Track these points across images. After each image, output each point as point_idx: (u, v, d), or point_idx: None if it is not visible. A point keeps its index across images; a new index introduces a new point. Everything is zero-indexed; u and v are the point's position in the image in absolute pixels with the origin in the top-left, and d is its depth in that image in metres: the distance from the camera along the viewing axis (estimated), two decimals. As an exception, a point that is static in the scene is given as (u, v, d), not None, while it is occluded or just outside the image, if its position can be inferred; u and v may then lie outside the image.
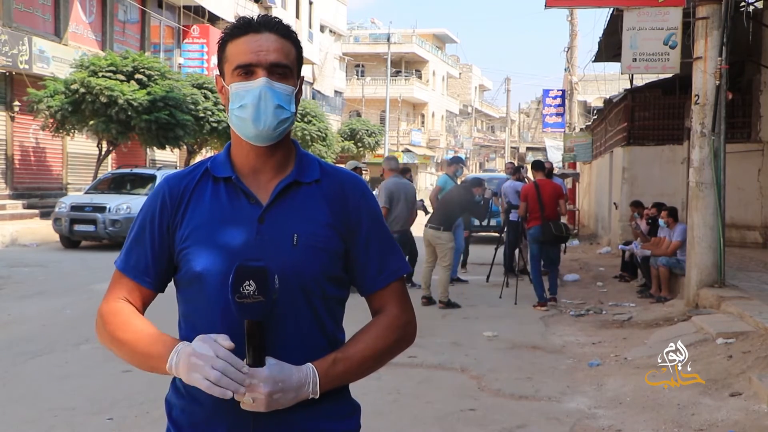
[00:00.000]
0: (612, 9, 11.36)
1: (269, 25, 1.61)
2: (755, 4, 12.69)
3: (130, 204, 14.54)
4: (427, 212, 10.55)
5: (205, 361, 1.43)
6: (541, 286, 9.29)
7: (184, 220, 1.63)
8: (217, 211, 1.62)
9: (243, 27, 1.61)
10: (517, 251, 11.21)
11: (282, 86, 1.59)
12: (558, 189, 9.69)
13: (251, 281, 1.43)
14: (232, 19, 28.75)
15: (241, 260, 1.48)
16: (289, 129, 1.64)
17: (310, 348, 1.60)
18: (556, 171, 13.80)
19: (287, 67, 1.60)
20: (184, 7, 27.31)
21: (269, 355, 1.51)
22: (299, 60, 1.66)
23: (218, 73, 1.68)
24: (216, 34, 27.18)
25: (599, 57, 15.80)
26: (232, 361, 1.44)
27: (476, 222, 15.02)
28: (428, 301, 9.07)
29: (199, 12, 28.11)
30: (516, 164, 13.58)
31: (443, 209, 9.30)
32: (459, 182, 11.04)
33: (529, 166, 12.09)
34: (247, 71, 1.58)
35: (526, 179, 12.39)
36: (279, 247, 1.58)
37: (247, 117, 1.58)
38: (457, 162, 11.60)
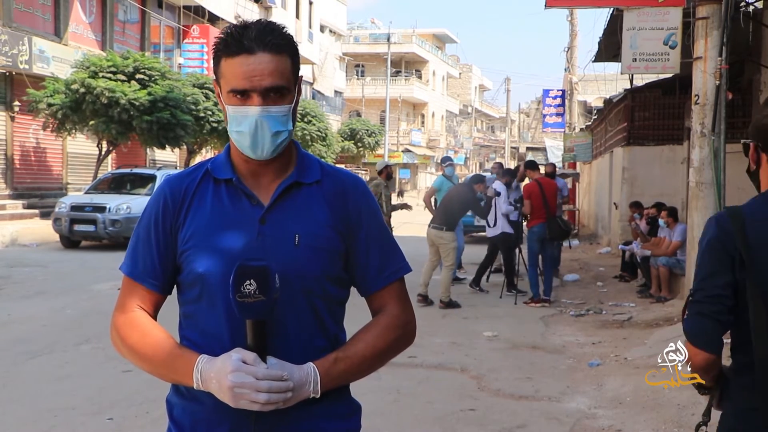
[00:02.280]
0: (612, 9, 11.35)
1: (262, 42, 1.55)
2: (755, 4, 12.69)
3: (130, 204, 14.53)
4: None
5: (249, 389, 1.45)
6: (536, 282, 9.37)
7: (186, 221, 1.64)
8: (218, 212, 1.62)
9: (235, 46, 1.56)
10: (516, 251, 11.20)
11: (278, 109, 1.58)
12: (556, 186, 10.05)
13: (252, 280, 1.44)
14: (232, 20, 28.74)
15: (242, 259, 1.48)
16: (287, 143, 1.64)
17: (311, 348, 1.60)
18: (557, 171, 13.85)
19: (283, 87, 1.59)
20: (184, 7, 27.31)
21: (271, 354, 1.51)
22: (296, 69, 1.64)
23: (215, 79, 1.66)
24: (216, 34, 27.10)
25: (599, 57, 15.79)
26: (273, 377, 1.47)
27: (476, 222, 15.06)
28: (424, 299, 9.03)
29: (199, 12, 28.11)
30: (516, 165, 13.59)
31: (445, 209, 9.30)
32: (456, 182, 11.06)
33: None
34: (242, 95, 1.57)
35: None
36: (281, 247, 1.59)
37: (245, 143, 1.59)
38: (445, 162, 11.60)
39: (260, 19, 1.65)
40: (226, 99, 1.60)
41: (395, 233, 11.31)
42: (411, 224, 18.16)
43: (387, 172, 10.97)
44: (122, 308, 1.67)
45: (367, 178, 14.80)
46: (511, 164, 49.80)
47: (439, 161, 46.91)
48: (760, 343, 1.69)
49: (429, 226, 9.36)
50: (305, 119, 31.10)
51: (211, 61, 1.67)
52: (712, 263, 1.81)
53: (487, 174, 24.44)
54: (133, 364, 1.66)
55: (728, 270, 1.79)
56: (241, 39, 1.56)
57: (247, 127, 1.57)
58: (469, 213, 10.62)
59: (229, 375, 1.46)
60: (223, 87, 1.61)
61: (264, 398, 1.46)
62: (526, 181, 11.07)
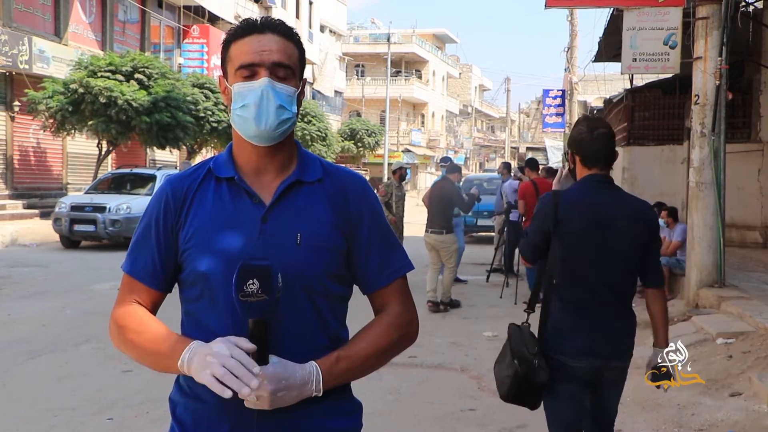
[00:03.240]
0: (612, 9, 11.36)
1: (272, 26, 1.62)
2: (755, 4, 12.69)
3: (130, 204, 14.53)
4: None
5: (218, 359, 1.45)
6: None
7: (188, 220, 1.64)
8: (220, 211, 1.63)
9: (246, 28, 1.62)
10: (517, 251, 11.21)
11: (284, 87, 1.60)
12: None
13: (255, 280, 1.44)
14: (232, 20, 28.75)
15: (245, 259, 1.49)
16: (290, 130, 1.65)
17: (313, 346, 1.60)
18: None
19: (289, 67, 1.61)
20: (184, 7, 27.31)
21: (273, 353, 1.52)
22: (302, 62, 1.67)
23: (221, 74, 1.69)
24: (216, 34, 27.16)
25: (599, 57, 15.81)
26: (243, 361, 1.45)
27: (473, 221, 15.03)
28: (434, 305, 8.97)
29: (199, 12, 28.11)
30: (514, 164, 13.64)
31: (437, 210, 9.23)
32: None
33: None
34: (249, 71, 1.59)
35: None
36: (282, 246, 1.59)
37: (249, 116, 1.59)
38: (445, 162, 11.60)
39: (268, 16, 1.68)
40: (233, 80, 1.62)
41: (406, 234, 11.31)
42: (411, 224, 18.16)
43: (400, 173, 10.97)
44: (119, 303, 1.68)
45: (368, 178, 14.79)
46: (513, 164, 49.71)
47: (439, 161, 46.84)
48: (552, 267, 3.03)
49: (428, 231, 9.28)
50: (305, 119, 31.10)
51: (212, 60, 1.68)
52: (538, 224, 3.10)
53: (493, 173, 24.29)
54: (130, 356, 1.66)
55: (545, 229, 3.04)
56: (251, 23, 1.63)
57: (252, 98, 1.58)
58: (470, 213, 10.51)
59: (214, 343, 1.48)
60: (230, 70, 1.63)
61: (221, 373, 1.43)
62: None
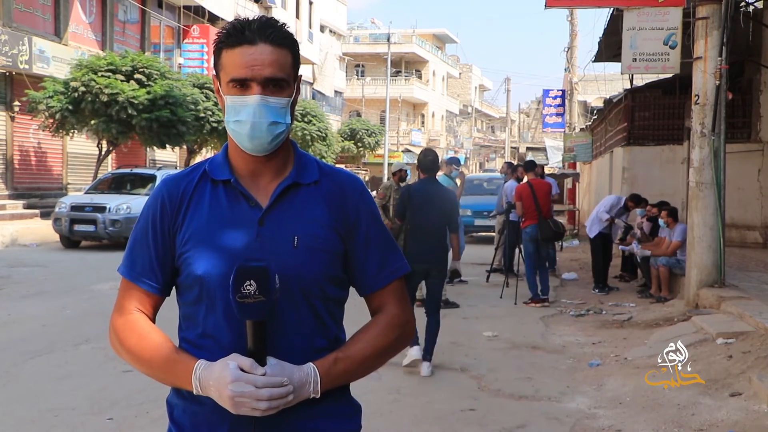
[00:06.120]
0: (612, 9, 11.36)
1: (264, 34, 1.57)
2: (755, 4, 12.70)
3: (130, 204, 14.53)
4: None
5: (250, 398, 1.45)
6: (534, 283, 9.37)
7: (185, 223, 1.63)
8: (216, 214, 1.62)
9: (237, 36, 1.58)
10: (517, 251, 11.20)
11: (277, 100, 1.58)
12: (549, 187, 10.07)
13: (252, 281, 1.44)
14: (231, 19, 28.71)
15: (242, 260, 1.48)
16: (285, 138, 1.64)
17: (311, 348, 1.60)
18: (555, 171, 13.87)
19: (282, 79, 1.59)
20: (184, 7, 27.30)
21: (271, 354, 1.51)
22: (295, 65, 1.64)
23: (215, 74, 1.67)
24: (216, 34, 27.11)
25: (599, 57, 15.80)
26: (273, 384, 1.47)
27: (472, 221, 15.01)
28: (422, 303, 8.98)
29: (199, 12, 28.10)
30: (515, 163, 13.67)
31: None
32: (457, 183, 11.04)
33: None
34: (242, 84, 1.57)
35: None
36: (279, 249, 1.58)
37: (242, 132, 1.58)
38: (452, 163, 11.59)
39: (262, 15, 1.65)
40: (226, 90, 1.60)
41: None
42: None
43: (400, 175, 11.00)
44: (120, 310, 1.66)
45: (367, 179, 14.76)
46: (514, 163, 49.74)
47: (444, 160, 46.70)
48: (408, 221, 6.31)
49: None
50: (305, 119, 31.09)
51: (212, 60, 1.67)
52: (401, 200, 6.47)
53: (493, 173, 24.16)
54: (132, 366, 1.66)
55: (404, 203, 6.33)
56: (242, 30, 1.58)
57: (245, 115, 1.57)
58: (469, 213, 10.51)
59: (229, 385, 1.46)
60: (222, 78, 1.61)
61: (265, 406, 1.46)
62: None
